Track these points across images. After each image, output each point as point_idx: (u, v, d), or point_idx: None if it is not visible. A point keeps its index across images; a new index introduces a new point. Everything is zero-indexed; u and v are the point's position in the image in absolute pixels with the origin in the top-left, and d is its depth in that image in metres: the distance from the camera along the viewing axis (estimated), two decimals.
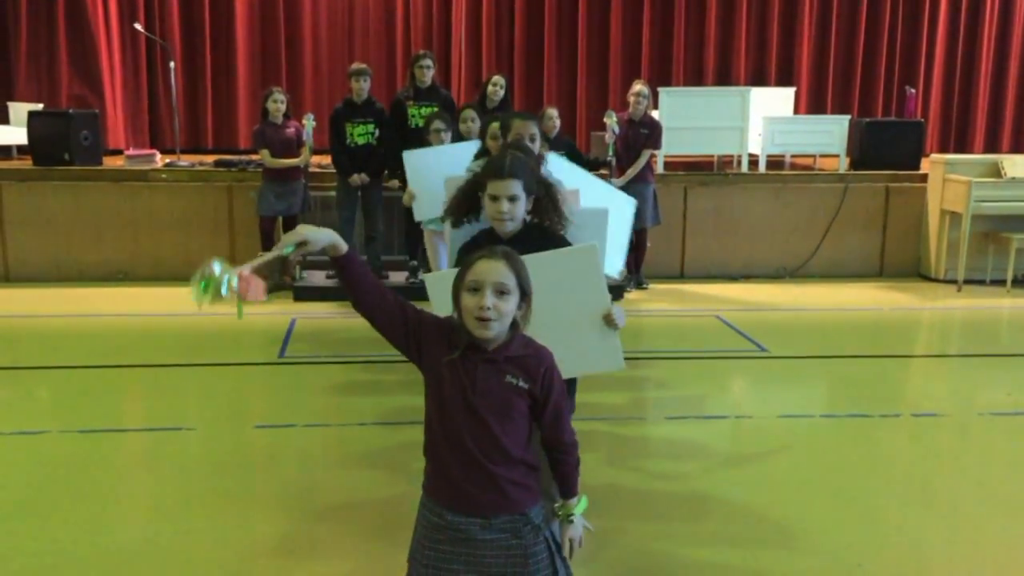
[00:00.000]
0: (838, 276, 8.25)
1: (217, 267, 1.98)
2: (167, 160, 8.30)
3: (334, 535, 3.50)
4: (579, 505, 2.25)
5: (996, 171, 7.83)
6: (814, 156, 9.12)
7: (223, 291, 1.97)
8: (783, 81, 10.42)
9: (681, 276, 8.22)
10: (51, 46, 9.48)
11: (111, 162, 8.22)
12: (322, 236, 2.11)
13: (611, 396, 5.07)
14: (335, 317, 6.83)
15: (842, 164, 8.58)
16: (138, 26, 9.18)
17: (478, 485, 2.10)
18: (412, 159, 5.45)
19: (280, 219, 7.44)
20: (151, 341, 6.15)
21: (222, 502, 3.77)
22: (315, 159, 7.65)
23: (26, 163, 8.03)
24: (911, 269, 8.38)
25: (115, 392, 5.21)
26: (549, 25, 10.36)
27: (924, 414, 4.97)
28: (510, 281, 2.08)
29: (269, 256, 2.11)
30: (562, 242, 2.89)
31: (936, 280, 8.11)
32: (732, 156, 8.71)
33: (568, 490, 2.26)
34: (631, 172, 7.36)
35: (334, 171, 7.42)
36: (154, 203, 7.71)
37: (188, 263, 7.26)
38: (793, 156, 9.26)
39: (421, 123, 7.12)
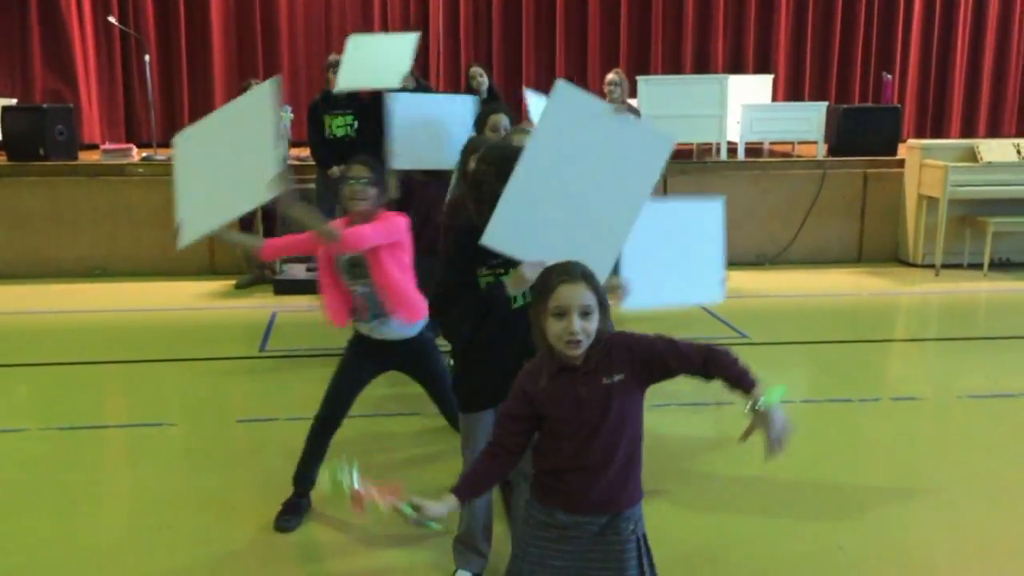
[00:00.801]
0: (817, 262, 8.30)
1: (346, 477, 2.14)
2: (144, 154, 8.23)
3: (318, 528, 3.49)
4: (771, 393, 2.10)
5: (972, 156, 7.89)
6: (792, 143, 9.17)
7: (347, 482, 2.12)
8: (761, 69, 10.46)
9: None
10: (24, 40, 9.38)
11: (87, 157, 8.16)
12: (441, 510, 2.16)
13: None
14: (316, 311, 6.78)
15: (820, 150, 8.62)
16: (112, 19, 9.10)
17: (592, 492, 2.16)
18: (398, 103, 5.08)
19: (259, 211, 7.39)
20: (130, 337, 6.11)
21: (204, 497, 3.75)
22: (293, 151, 7.60)
23: (0, 159, 7.95)
24: (889, 254, 8.44)
25: (95, 388, 5.18)
26: (527, 15, 10.35)
27: (904, 398, 5.02)
28: (592, 301, 2.12)
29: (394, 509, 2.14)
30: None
31: (914, 265, 8.18)
32: (711, 144, 8.74)
33: (747, 384, 2.15)
34: None
35: (313, 163, 7.38)
36: (131, 198, 7.66)
37: (166, 257, 7.24)
38: (772, 143, 9.31)
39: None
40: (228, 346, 5.96)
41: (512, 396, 2.20)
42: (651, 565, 2.27)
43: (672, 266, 3.16)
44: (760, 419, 2.09)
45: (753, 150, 8.90)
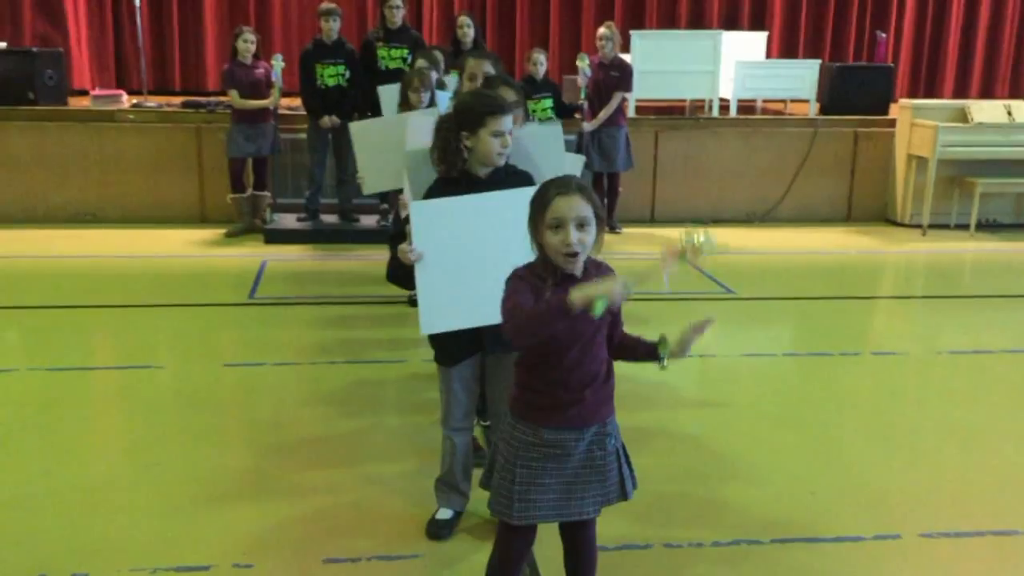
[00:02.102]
0: (806, 220, 8.33)
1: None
2: (134, 101, 8.19)
3: (303, 467, 3.56)
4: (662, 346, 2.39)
5: (963, 116, 7.90)
6: (785, 101, 9.15)
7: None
8: (755, 25, 10.39)
9: (652, 220, 8.27)
10: None
11: (77, 102, 8.10)
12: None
13: None
14: (305, 259, 6.84)
15: (812, 109, 8.62)
16: None
17: (580, 402, 2.26)
18: (355, 132, 5.06)
19: (250, 161, 7.39)
20: (119, 282, 6.13)
21: (192, 437, 3.81)
22: (284, 101, 7.57)
23: None
24: (878, 214, 8.47)
25: (83, 331, 5.21)
26: None
27: (885, 352, 5.09)
28: (589, 212, 2.16)
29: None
30: (531, 178, 2.89)
31: (902, 224, 8.22)
32: (703, 100, 8.72)
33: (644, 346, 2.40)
34: (603, 115, 7.36)
35: (304, 113, 7.36)
36: (122, 144, 7.63)
37: (157, 205, 7.23)
38: (764, 101, 9.28)
39: (391, 64, 7.09)
40: (218, 293, 5.98)
41: (522, 290, 2.19)
42: (631, 471, 2.43)
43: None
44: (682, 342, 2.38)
45: (745, 107, 8.88)
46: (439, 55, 6.04)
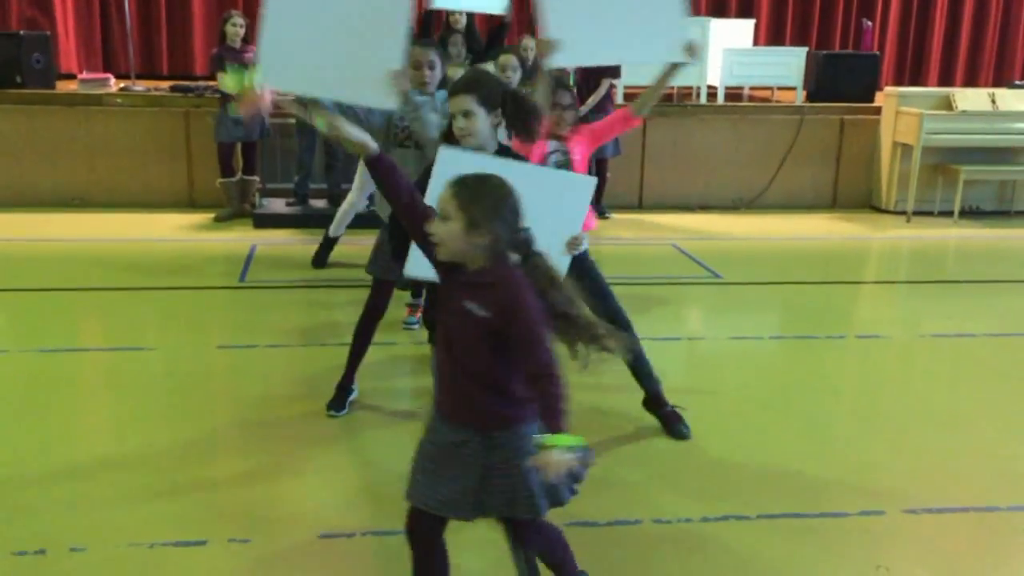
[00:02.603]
0: (793, 207, 8.40)
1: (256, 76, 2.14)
2: (122, 85, 8.16)
3: (295, 447, 3.60)
4: (558, 439, 2.00)
5: (948, 104, 7.98)
6: (772, 88, 9.20)
7: (249, 83, 2.16)
8: (743, 13, 10.43)
9: (639, 206, 8.32)
10: None
11: (64, 86, 8.08)
12: (354, 133, 2.25)
13: None
14: (294, 244, 6.85)
15: (799, 96, 8.68)
16: None
17: (454, 398, 2.22)
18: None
19: (238, 145, 7.39)
20: (109, 266, 6.13)
21: (183, 416, 3.84)
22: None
23: None
24: (863, 201, 8.55)
25: (73, 314, 5.22)
26: None
27: (869, 336, 5.16)
28: (449, 206, 2.10)
29: (296, 104, 2.26)
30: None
31: (887, 211, 8.30)
32: (691, 88, 8.76)
33: (550, 423, 2.06)
34: (591, 101, 7.39)
35: (292, 98, 7.35)
36: (109, 128, 7.61)
37: (145, 189, 7.21)
38: (751, 88, 9.33)
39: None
40: (208, 277, 6.00)
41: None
42: (548, 494, 2.25)
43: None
44: (540, 456, 1.99)
45: (733, 95, 8.93)
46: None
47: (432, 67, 3.83)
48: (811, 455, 3.62)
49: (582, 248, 3.20)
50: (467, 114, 2.78)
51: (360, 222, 7.08)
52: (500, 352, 2.13)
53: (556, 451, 1.97)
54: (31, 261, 6.22)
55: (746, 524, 3.09)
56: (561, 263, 2.85)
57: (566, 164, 3.59)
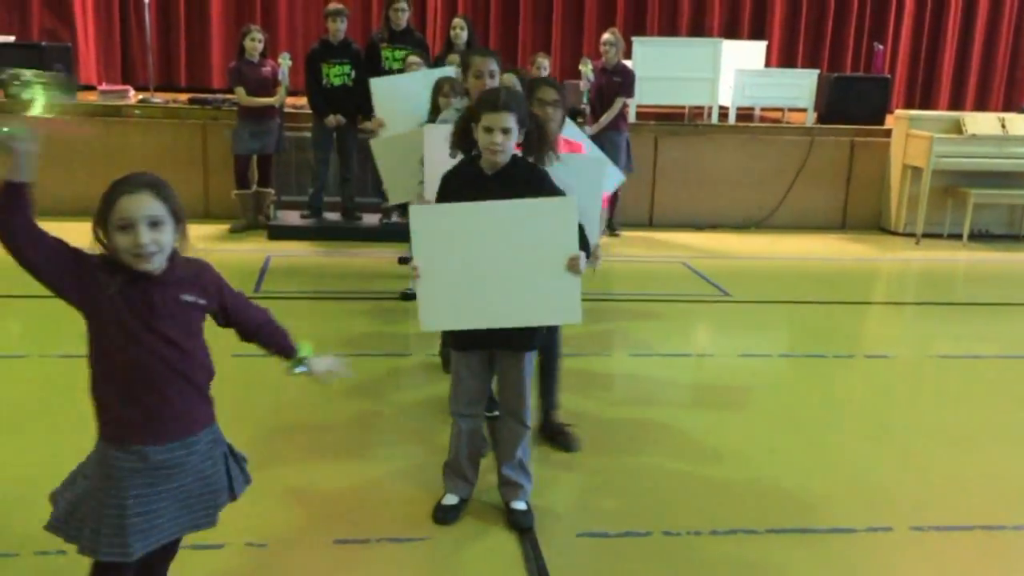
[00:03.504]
0: (802, 228, 8.46)
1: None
2: (140, 97, 8.28)
3: (311, 454, 3.64)
4: (304, 349, 2.46)
5: (958, 128, 8.03)
6: (783, 109, 9.28)
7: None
8: (755, 34, 10.54)
9: (650, 224, 8.38)
10: None
11: (84, 97, 8.19)
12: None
13: (577, 333, 5.21)
14: (308, 256, 6.92)
15: (810, 118, 8.75)
16: None
17: (177, 405, 2.14)
18: (379, 147, 5.29)
19: (254, 158, 7.48)
20: None
21: None
22: (290, 100, 7.67)
23: None
24: (872, 222, 8.60)
25: None
26: None
27: (877, 356, 5.19)
28: (161, 211, 2.04)
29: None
30: (546, 179, 2.97)
31: (896, 233, 8.35)
32: (703, 107, 8.84)
33: (288, 349, 2.46)
34: (604, 120, 7.47)
35: (309, 112, 7.45)
36: (128, 139, 7.71)
37: None
38: (762, 109, 9.41)
39: (394, 65, 7.19)
40: None
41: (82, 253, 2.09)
42: (242, 472, 2.41)
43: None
44: (313, 373, 2.49)
45: (744, 115, 9.01)
46: (456, 58, 6.17)
47: (493, 76, 3.88)
48: (819, 471, 3.66)
49: (598, 263, 3.22)
50: (507, 131, 2.85)
51: (376, 236, 7.21)
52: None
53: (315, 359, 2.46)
54: None
55: (754, 538, 3.12)
56: (571, 285, 2.88)
57: None
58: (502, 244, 2.82)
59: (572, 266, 2.83)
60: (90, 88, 8.72)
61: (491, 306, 2.87)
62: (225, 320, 2.33)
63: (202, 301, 2.19)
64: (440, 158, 3.23)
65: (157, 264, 2.07)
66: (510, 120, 2.85)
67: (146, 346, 2.09)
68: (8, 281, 5.86)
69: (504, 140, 2.85)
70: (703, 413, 4.24)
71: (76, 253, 2.09)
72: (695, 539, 3.10)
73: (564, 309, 2.93)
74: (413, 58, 6.23)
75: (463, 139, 2.99)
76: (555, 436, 3.75)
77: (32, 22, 9.35)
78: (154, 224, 2.03)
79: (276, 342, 2.44)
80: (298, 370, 2.44)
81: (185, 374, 2.15)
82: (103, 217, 2.05)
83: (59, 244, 2.08)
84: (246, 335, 2.42)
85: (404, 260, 6.45)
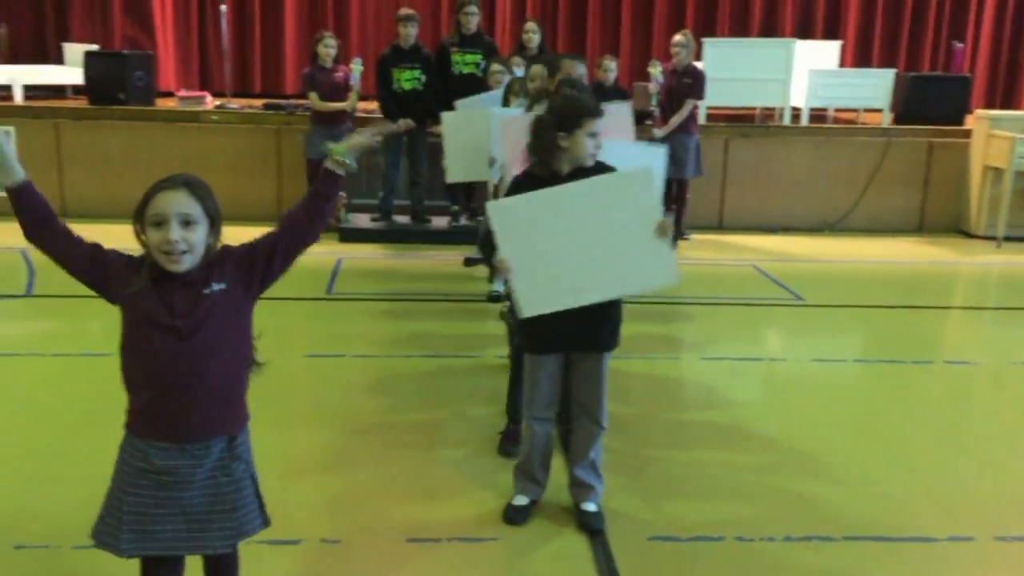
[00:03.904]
0: (877, 231, 8.27)
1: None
2: (217, 103, 8.48)
3: (384, 453, 3.68)
4: (335, 150, 2.34)
5: None
6: (857, 110, 9.10)
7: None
8: (830, 34, 10.35)
9: (720, 227, 8.28)
10: None
11: (163, 103, 8.42)
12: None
13: (647, 337, 5.20)
14: (378, 258, 7.01)
15: (885, 118, 8.56)
16: None
17: (189, 407, 2.09)
18: (450, 120, 5.40)
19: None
20: None
21: (273, 422, 3.93)
22: (361, 104, 7.77)
23: (82, 102, 8.25)
24: (951, 225, 8.37)
25: None
26: None
27: (957, 362, 5.06)
28: (195, 210, 2.04)
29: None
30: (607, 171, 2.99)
31: (976, 236, 8.11)
32: (774, 109, 8.71)
33: (324, 174, 2.36)
34: (674, 122, 7.41)
35: (380, 116, 7.54)
36: (205, 144, 7.90)
37: (236, 203, 7.42)
38: (836, 110, 9.24)
39: (464, 69, 7.24)
40: (296, 288, 6.14)
41: (119, 254, 2.14)
42: (260, 502, 2.26)
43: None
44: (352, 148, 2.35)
45: (817, 116, 8.86)
46: (520, 60, 6.19)
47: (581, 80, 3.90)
48: (896, 478, 3.58)
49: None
50: (596, 136, 2.91)
51: (445, 239, 7.27)
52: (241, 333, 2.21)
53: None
54: None
55: (830, 545, 3.06)
56: (663, 249, 2.88)
57: None
58: (585, 223, 2.86)
59: (662, 230, 2.85)
60: (169, 95, 8.96)
61: (588, 283, 2.89)
62: (267, 260, 2.20)
63: (221, 285, 2.10)
64: (515, 142, 3.31)
65: (187, 264, 2.05)
66: (600, 126, 2.93)
67: (162, 346, 2.06)
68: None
69: (598, 144, 2.93)
70: (775, 418, 4.17)
71: (99, 252, 2.14)
72: (768, 545, 3.06)
73: (660, 272, 2.95)
74: (495, 67, 6.25)
75: (546, 152, 2.95)
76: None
77: (114, 31, 9.65)
78: (186, 223, 2.03)
79: (314, 191, 2.33)
80: (343, 158, 2.34)
81: (204, 376, 2.09)
82: (141, 213, 2.06)
83: (81, 244, 2.13)
84: (290, 225, 2.28)
85: (470, 261, 6.49)
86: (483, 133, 4.72)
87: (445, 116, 5.43)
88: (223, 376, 2.13)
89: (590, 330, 3.00)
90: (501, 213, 2.90)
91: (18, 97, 8.21)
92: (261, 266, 2.19)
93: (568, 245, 2.87)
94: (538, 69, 4.92)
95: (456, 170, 5.35)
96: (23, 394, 4.04)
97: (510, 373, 3.82)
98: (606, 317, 3.02)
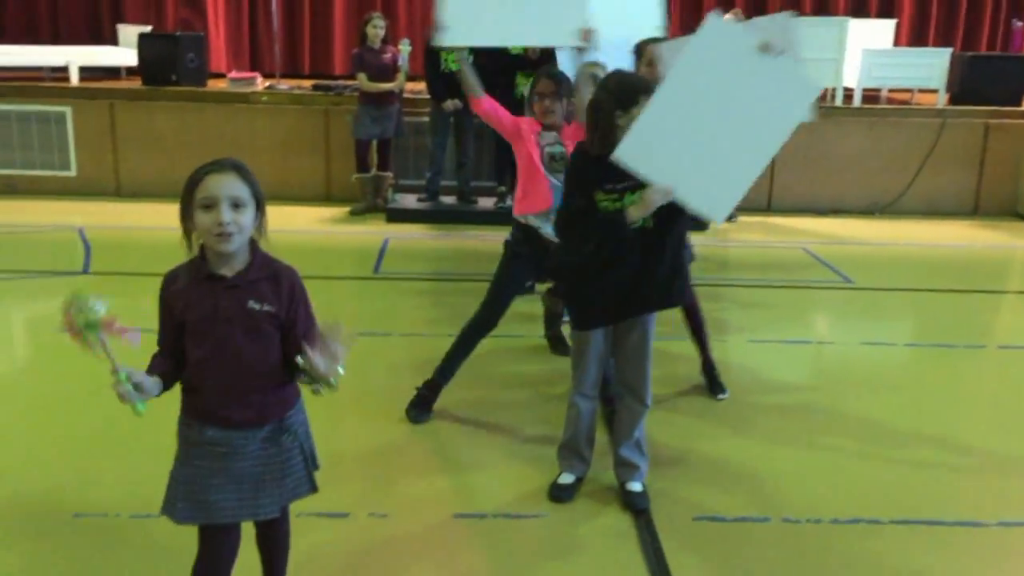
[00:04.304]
0: (931, 213, 8.12)
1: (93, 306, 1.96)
2: (267, 84, 8.56)
3: (428, 430, 3.73)
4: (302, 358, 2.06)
5: None
6: (912, 91, 8.92)
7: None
8: (884, 12, 10.14)
9: (768, 209, 8.19)
10: None
11: (214, 84, 8.53)
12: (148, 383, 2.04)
13: None
14: (425, 239, 7.05)
15: (941, 99, 8.38)
16: None
17: (235, 404, 2.14)
18: None
19: (374, 142, 7.64)
20: None
21: (315, 399, 4.00)
22: (409, 85, 7.80)
23: (135, 83, 8.38)
24: (1008, 208, 8.19)
25: None
26: None
27: (1011, 347, 4.97)
28: (244, 192, 2.06)
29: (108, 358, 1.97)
30: None
31: None
32: (826, 89, 8.57)
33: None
34: None
35: (427, 97, 7.57)
36: (255, 125, 7.99)
37: (285, 183, 7.55)
38: (890, 90, 9.07)
39: (513, 49, 7.21)
40: (343, 267, 6.25)
41: (160, 296, 2.18)
42: (313, 460, 2.33)
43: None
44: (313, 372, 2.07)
45: (870, 97, 8.70)
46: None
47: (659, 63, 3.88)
48: (946, 463, 3.54)
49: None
50: None
51: (491, 219, 7.27)
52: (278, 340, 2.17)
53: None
54: (181, 248, 6.58)
55: (878, 528, 3.05)
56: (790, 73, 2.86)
57: (564, 156, 3.63)
58: (736, 101, 2.80)
59: (766, 47, 2.79)
60: (220, 76, 9.06)
61: (692, 165, 2.82)
62: (279, 332, 2.17)
63: (270, 308, 2.12)
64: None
65: (236, 244, 2.08)
66: None
67: (211, 347, 2.11)
68: (139, 260, 6.19)
69: None
70: (823, 400, 4.14)
71: (170, 347, 2.15)
72: (815, 527, 3.05)
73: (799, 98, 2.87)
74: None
75: (607, 131, 2.90)
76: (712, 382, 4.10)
77: (167, 13, 9.78)
78: (236, 205, 2.06)
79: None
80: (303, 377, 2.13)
81: (250, 375, 2.14)
82: (189, 197, 2.08)
83: (172, 358, 2.15)
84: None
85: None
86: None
87: None
88: (267, 375, 2.16)
89: (662, 286, 3.00)
90: (715, 31, 2.80)
91: (74, 78, 8.36)
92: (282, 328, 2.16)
93: (708, 114, 2.81)
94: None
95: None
96: (83, 368, 4.13)
97: (453, 343, 3.91)
98: (678, 272, 3.06)
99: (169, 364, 2.14)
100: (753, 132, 2.84)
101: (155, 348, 2.16)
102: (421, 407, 3.82)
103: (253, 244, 2.15)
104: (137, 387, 1.97)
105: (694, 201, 2.86)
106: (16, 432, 3.65)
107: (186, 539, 2.27)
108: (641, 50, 4.10)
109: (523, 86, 6.86)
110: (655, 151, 2.79)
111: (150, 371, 2.08)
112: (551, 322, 4.68)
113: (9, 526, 2.95)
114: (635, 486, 3.15)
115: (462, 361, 3.86)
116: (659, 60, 3.86)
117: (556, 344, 4.64)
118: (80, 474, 3.29)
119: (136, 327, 1.96)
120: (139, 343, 1.95)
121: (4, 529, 2.93)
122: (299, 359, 2.05)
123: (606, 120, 2.89)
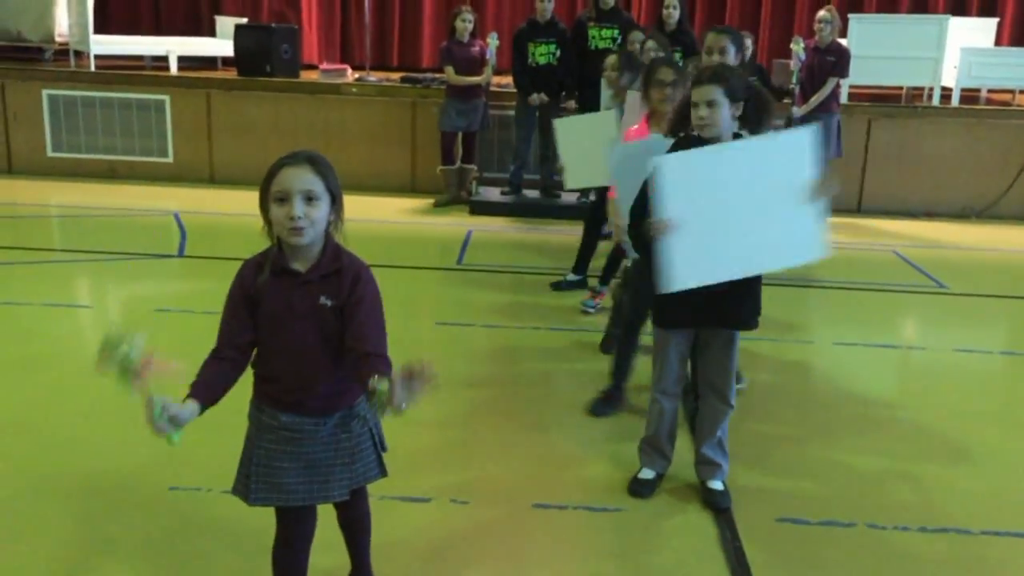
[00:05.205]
0: None
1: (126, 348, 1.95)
2: (357, 75, 8.71)
3: (511, 421, 3.76)
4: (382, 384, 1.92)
5: None
6: (1013, 91, 8.61)
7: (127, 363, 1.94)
8: (986, 11, 9.81)
9: (858, 210, 8.01)
10: None
11: (306, 75, 8.71)
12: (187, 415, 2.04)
13: (778, 318, 5.09)
14: (507, 231, 7.08)
15: None
16: None
17: (308, 393, 2.15)
18: (563, 127, 5.21)
19: (460, 135, 7.71)
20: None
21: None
22: (495, 79, 7.84)
23: (231, 74, 8.61)
24: None
25: None
26: None
27: None
28: (317, 186, 2.06)
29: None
30: None
31: None
32: (923, 88, 8.34)
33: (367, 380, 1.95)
34: (814, 100, 7.19)
35: (513, 91, 7.60)
36: (344, 115, 8.14)
37: (372, 173, 7.66)
38: (990, 91, 8.78)
39: (601, 44, 7.20)
40: (427, 258, 6.32)
41: (232, 288, 2.17)
42: (382, 444, 2.32)
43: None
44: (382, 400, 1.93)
45: (968, 97, 8.43)
46: (654, 44, 5.96)
47: (723, 53, 3.79)
48: None
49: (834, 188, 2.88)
50: (711, 104, 2.82)
51: (574, 214, 7.26)
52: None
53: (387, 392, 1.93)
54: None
55: (968, 539, 2.97)
56: (813, 219, 2.79)
57: None
58: (746, 188, 2.77)
59: (823, 189, 2.74)
60: (312, 67, 9.24)
61: (740, 255, 2.81)
62: (343, 323, 2.13)
63: (336, 303, 2.12)
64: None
65: (308, 238, 2.08)
66: (715, 93, 2.82)
67: (284, 339, 2.13)
68: (230, 245, 6.35)
69: (710, 113, 2.83)
70: (912, 406, 4.04)
71: (237, 339, 2.15)
72: (902, 535, 2.98)
73: (809, 245, 2.84)
74: (613, 61, 5.65)
75: (681, 121, 2.95)
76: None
77: (263, 5, 10.02)
78: (309, 199, 2.05)
79: (363, 372, 2.01)
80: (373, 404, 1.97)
81: (321, 368, 2.15)
82: (265, 189, 2.09)
83: (240, 352, 2.16)
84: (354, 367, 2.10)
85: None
86: (600, 136, 4.61)
87: (557, 123, 5.23)
88: (338, 367, 2.15)
89: (732, 306, 2.96)
90: (670, 167, 2.77)
91: (173, 68, 8.64)
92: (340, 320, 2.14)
93: (728, 211, 2.78)
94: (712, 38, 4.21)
95: (577, 176, 5.12)
96: (177, 348, 4.28)
97: (617, 343, 3.94)
98: (749, 293, 2.97)
99: (224, 364, 2.13)
100: (777, 194, 2.78)
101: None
102: (607, 403, 3.85)
103: (328, 237, 2.15)
104: (173, 420, 1.97)
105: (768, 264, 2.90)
106: (111, 409, 3.78)
107: (271, 517, 2.33)
108: (704, 40, 4.06)
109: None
110: (702, 260, 2.79)
111: (193, 388, 2.08)
112: (616, 319, 4.65)
113: (109, 497, 3.07)
114: (716, 484, 3.13)
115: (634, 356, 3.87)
116: (721, 52, 3.80)
117: (606, 342, 4.56)
118: (172, 451, 3.39)
119: (175, 362, 1.96)
120: (179, 369, 1.96)
121: (104, 500, 3.05)
122: (373, 382, 1.90)
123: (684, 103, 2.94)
